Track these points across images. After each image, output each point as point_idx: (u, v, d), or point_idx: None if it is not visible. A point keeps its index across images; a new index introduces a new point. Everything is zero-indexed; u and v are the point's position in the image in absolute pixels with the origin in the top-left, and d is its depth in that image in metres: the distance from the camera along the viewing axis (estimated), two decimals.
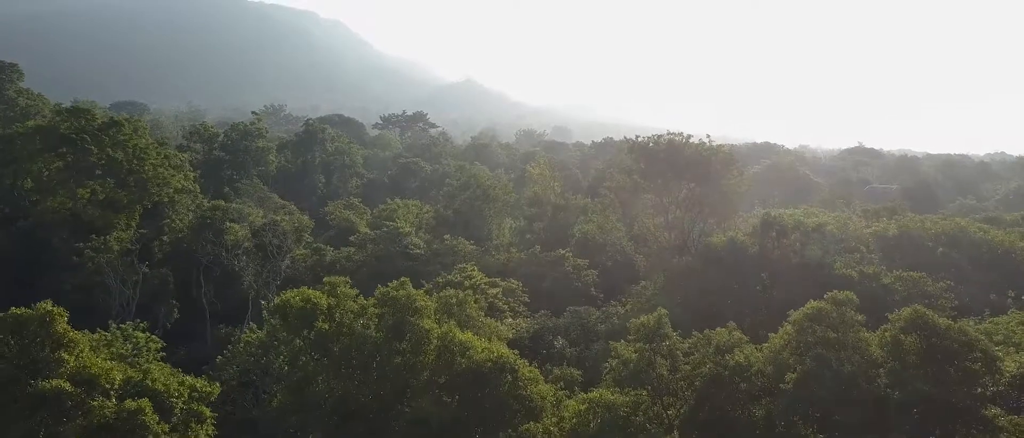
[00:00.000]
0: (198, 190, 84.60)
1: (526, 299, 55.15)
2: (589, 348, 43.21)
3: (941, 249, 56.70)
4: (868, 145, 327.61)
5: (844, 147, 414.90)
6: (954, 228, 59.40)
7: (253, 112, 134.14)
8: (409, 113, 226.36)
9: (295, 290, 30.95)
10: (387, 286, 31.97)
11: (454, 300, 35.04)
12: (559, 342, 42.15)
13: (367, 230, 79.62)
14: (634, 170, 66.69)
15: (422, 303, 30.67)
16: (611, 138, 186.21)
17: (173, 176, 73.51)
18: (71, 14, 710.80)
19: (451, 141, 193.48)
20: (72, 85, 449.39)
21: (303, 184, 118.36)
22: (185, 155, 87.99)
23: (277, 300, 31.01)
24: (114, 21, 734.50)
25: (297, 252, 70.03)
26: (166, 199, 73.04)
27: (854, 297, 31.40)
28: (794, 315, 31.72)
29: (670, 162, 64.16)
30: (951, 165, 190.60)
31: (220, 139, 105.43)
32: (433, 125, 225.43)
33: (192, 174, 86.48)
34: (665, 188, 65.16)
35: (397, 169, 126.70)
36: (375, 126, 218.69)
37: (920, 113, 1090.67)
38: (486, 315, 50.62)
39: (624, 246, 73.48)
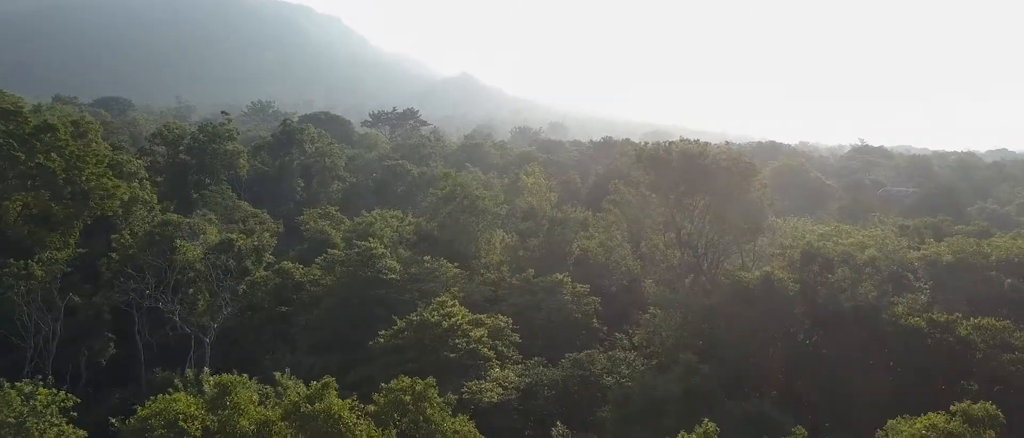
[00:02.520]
0: (155, 201, 76.00)
1: (517, 338, 46.55)
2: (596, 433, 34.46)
3: (1009, 281, 48.12)
4: (869, 142, 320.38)
5: (844, 143, 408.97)
6: (1018, 252, 50.72)
7: (223, 112, 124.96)
8: (400, 110, 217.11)
9: (165, 398, 22.41)
10: (303, 395, 23.25)
11: (408, 397, 26.30)
12: (558, 431, 33.58)
13: (342, 243, 71.20)
14: (642, 182, 58.13)
15: (351, 422, 21.88)
16: (610, 137, 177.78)
17: (118, 186, 64.83)
18: (60, 8, 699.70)
19: (442, 140, 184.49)
20: (62, 81, 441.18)
21: (280, 188, 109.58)
22: (140, 161, 79.21)
23: (133, 420, 22.39)
24: (104, 16, 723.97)
25: (258, 274, 61.34)
26: (110, 213, 64.48)
27: (997, 412, 22.85)
28: (902, 429, 23.06)
29: (684, 174, 55.60)
30: (965, 166, 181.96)
31: (186, 141, 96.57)
32: (424, 122, 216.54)
33: (148, 183, 78.01)
34: (678, 203, 56.61)
35: (382, 172, 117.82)
36: (364, 123, 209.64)
37: (918, 107, 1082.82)
38: (469, 360, 42.31)
39: (630, 266, 64.96)
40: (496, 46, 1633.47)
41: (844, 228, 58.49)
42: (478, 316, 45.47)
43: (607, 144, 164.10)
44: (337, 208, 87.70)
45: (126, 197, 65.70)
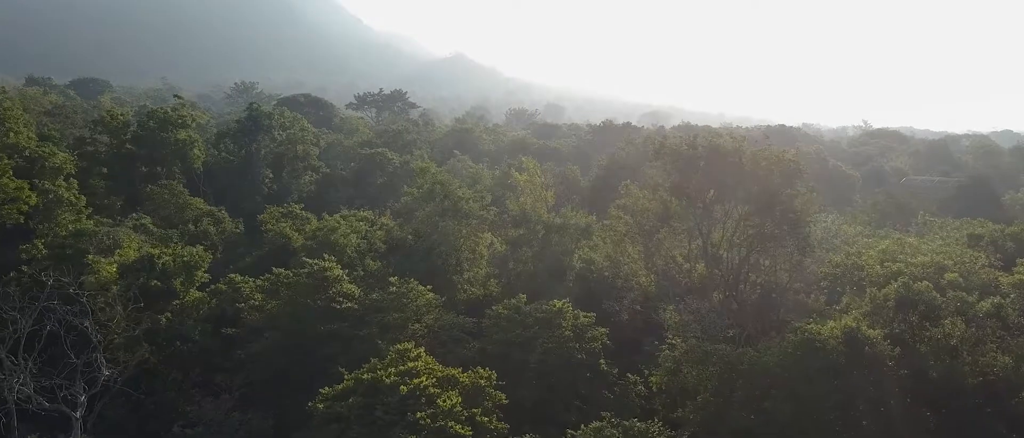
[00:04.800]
0: (83, 203, 64.74)
1: (502, 399, 35.38)
2: None
3: None
4: (872, 123, 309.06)
5: (846, 124, 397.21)
6: None
7: (176, 96, 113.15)
8: (387, 91, 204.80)
9: None
10: None
11: None
12: None
13: (302, 250, 60.18)
14: (661, 185, 46.88)
15: None
16: (611, 120, 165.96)
17: (21, 189, 53.54)
18: None
19: (431, 123, 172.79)
20: (52, 60, 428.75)
21: (245, 181, 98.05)
22: (65, 155, 67.51)
23: None
24: None
25: (190, 296, 50.15)
26: (11, 221, 53.35)
27: None
28: None
29: (714, 175, 44.44)
30: (988, 152, 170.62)
31: (132, 129, 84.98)
32: (413, 105, 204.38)
33: (75, 181, 66.76)
34: (706, 213, 45.50)
35: (360, 161, 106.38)
36: (349, 106, 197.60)
37: (914, 90, 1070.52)
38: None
39: (642, 283, 53.86)
40: (492, 25, 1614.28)
41: (908, 241, 47.38)
42: (450, 372, 34.19)
43: (608, 129, 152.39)
44: (302, 206, 76.18)
45: (33, 201, 54.57)
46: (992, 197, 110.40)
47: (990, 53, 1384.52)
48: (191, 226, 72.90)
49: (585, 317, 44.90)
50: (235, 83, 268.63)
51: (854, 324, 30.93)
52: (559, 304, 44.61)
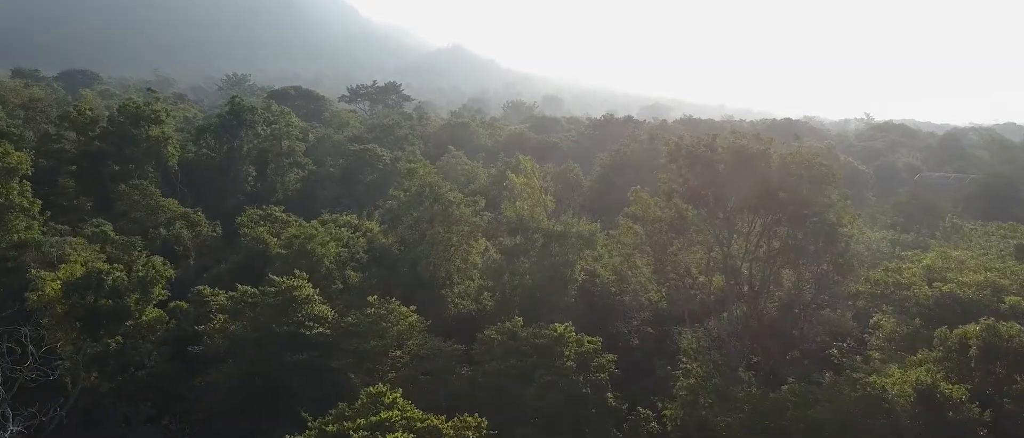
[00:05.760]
0: (37, 207, 58.99)
1: None
2: None
3: None
4: (874, 116, 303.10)
5: (848, 117, 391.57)
6: None
7: (149, 89, 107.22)
8: (381, 83, 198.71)
9: None
10: None
11: None
12: None
13: (278, 257, 54.80)
14: (676, 191, 41.37)
15: None
16: (612, 114, 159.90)
17: None
18: None
19: (426, 117, 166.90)
20: (44, 52, 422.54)
21: (226, 179, 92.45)
22: (20, 155, 61.73)
23: None
24: None
25: (146, 315, 44.72)
26: None
27: None
28: None
29: (737, 181, 38.98)
30: (1004, 147, 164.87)
31: (102, 125, 79.29)
32: (408, 97, 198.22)
33: (29, 183, 60.95)
34: (728, 223, 40.05)
35: (349, 158, 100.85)
36: (341, 99, 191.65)
37: (914, 81, 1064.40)
38: None
39: (652, 298, 48.47)
40: (491, 17, 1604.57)
41: (954, 255, 41.97)
42: (431, 421, 28.65)
43: (609, 122, 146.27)
44: (284, 208, 70.68)
45: None
46: (1015, 195, 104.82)
47: (988, 52, 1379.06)
48: (163, 230, 67.63)
49: (590, 342, 39.48)
50: (227, 75, 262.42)
51: (928, 378, 25.41)
52: (560, 329, 39.16)
